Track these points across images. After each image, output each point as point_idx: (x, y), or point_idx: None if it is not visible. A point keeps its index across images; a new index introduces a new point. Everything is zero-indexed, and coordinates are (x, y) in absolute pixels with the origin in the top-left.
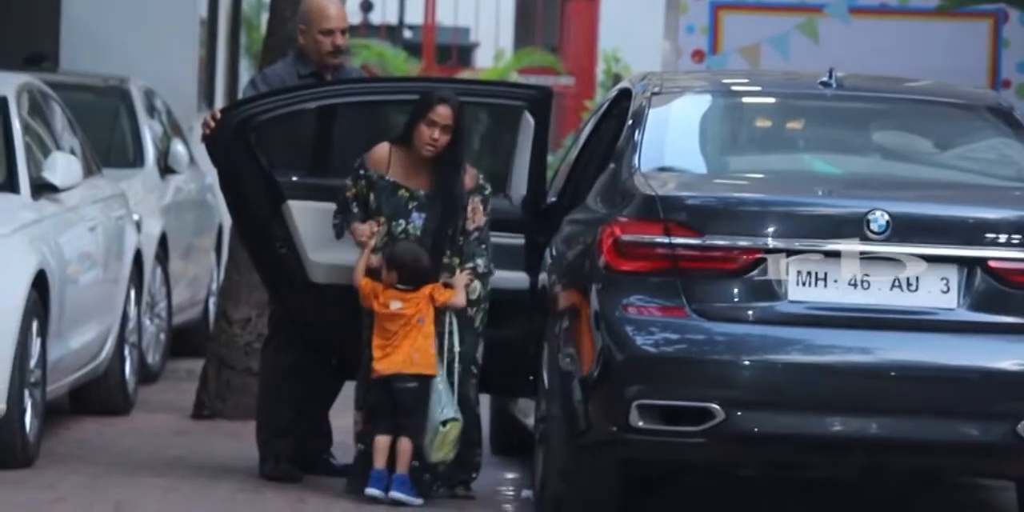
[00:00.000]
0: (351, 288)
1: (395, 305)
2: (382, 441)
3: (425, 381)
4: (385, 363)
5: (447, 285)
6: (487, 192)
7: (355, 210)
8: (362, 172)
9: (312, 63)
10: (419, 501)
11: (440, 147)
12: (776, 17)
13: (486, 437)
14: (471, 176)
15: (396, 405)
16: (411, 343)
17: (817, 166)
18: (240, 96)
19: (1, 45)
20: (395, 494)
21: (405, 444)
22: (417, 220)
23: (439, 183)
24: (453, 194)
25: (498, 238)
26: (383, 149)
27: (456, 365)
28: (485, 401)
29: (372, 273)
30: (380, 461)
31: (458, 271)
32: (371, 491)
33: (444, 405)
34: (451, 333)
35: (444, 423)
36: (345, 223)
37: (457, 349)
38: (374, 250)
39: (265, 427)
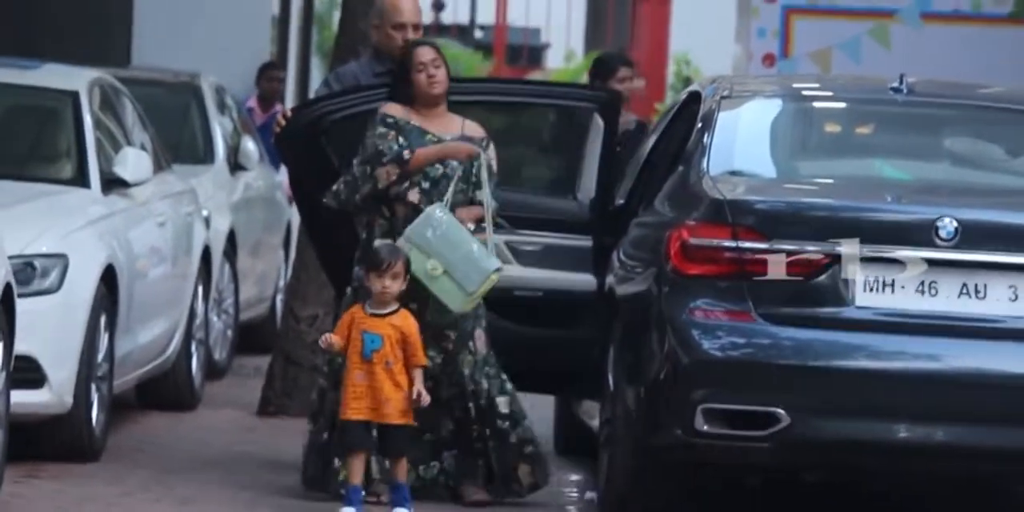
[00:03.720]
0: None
1: (371, 342)
2: (357, 460)
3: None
4: (354, 410)
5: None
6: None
7: (406, 157)
8: (390, 120)
9: (387, 61)
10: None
11: (443, 81)
12: (847, 22)
13: (548, 436)
14: (476, 127)
15: (380, 440)
16: (379, 393)
17: (886, 172)
18: (312, 95)
19: (75, 41)
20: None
21: (400, 461)
22: (454, 161)
23: (462, 125)
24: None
25: (566, 240)
26: (395, 106)
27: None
28: (547, 402)
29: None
30: (356, 478)
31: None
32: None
33: (491, 254)
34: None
35: (497, 270)
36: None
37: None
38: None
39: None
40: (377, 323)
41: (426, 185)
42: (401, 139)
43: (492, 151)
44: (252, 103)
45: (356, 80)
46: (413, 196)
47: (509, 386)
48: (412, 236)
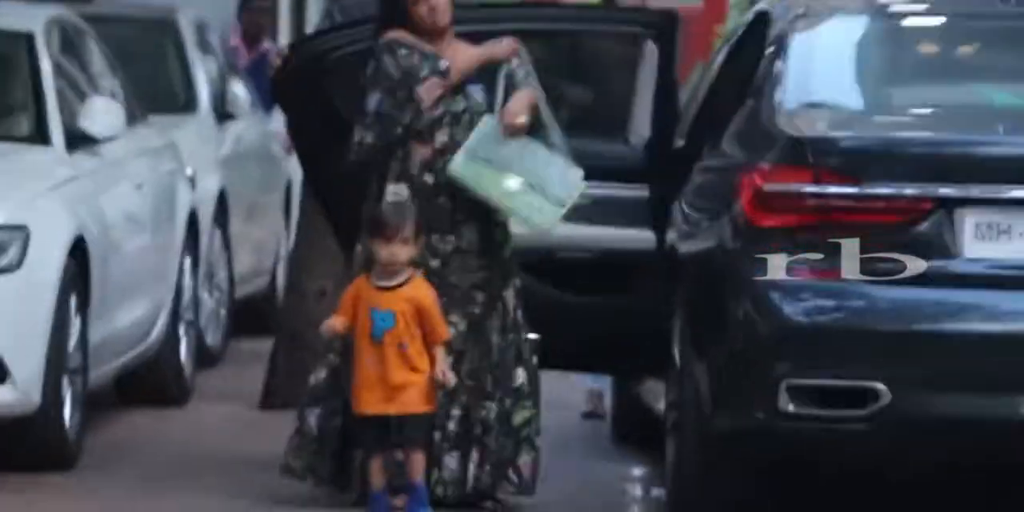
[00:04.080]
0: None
1: (381, 321)
2: (378, 463)
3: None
4: (366, 403)
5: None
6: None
7: (443, 67)
8: (405, 41)
9: None
10: None
11: (446, 7)
12: None
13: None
14: (505, 46)
15: (394, 432)
16: (391, 379)
17: (996, 98)
18: (312, 29)
19: None
20: None
21: (417, 456)
22: (476, 93)
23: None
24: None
25: (618, 190)
26: (401, 32)
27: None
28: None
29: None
30: (379, 482)
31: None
32: None
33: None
34: None
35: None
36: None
37: None
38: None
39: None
40: (387, 297)
41: (446, 121)
42: (426, 58)
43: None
44: (235, 41)
45: (362, 12)
46: (441, 136)
47: (531, 357)
48: (478, 150)
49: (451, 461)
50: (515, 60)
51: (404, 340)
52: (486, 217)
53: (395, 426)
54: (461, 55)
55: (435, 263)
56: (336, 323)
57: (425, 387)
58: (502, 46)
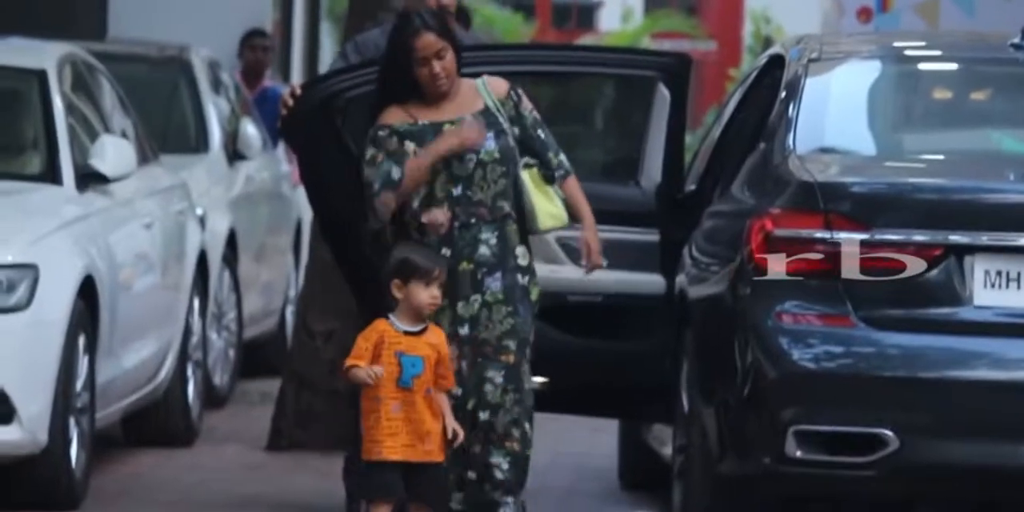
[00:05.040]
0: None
1: (411, 367)
2: (385, 510)
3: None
4: (389, 449)
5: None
6: (519, 91)
7: (396, 177)
8: (382, 133)
9: None
10: None
11: (451, 73)
12: None
13: (605, 469)
14: (498, 83)
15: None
16: (419, 426)
17: (1007, 145)
18: (326, 68)
19: (40, 10)
20: None
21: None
22: (489, 144)
23: (484, 88)
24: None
25: (628, 234)
26: (395, 110)
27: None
28: (611, 427)
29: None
30: None
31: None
32: None
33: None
34: None
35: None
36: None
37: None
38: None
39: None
40: (414, 343)
41: (457, 191)
42: (414, 147)
43: (525, 102)
44: (236, 78)
45: (378, 50)
46: (440, 216)
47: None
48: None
49: (501, 460)
50: (508, 101)
51: (430, 386)
52: (508, 264)
53: (414, 474)
54: (412, 165)
55: (464, 330)
56: (374, 370)
57: (441, 436)
58: (462, 138)
